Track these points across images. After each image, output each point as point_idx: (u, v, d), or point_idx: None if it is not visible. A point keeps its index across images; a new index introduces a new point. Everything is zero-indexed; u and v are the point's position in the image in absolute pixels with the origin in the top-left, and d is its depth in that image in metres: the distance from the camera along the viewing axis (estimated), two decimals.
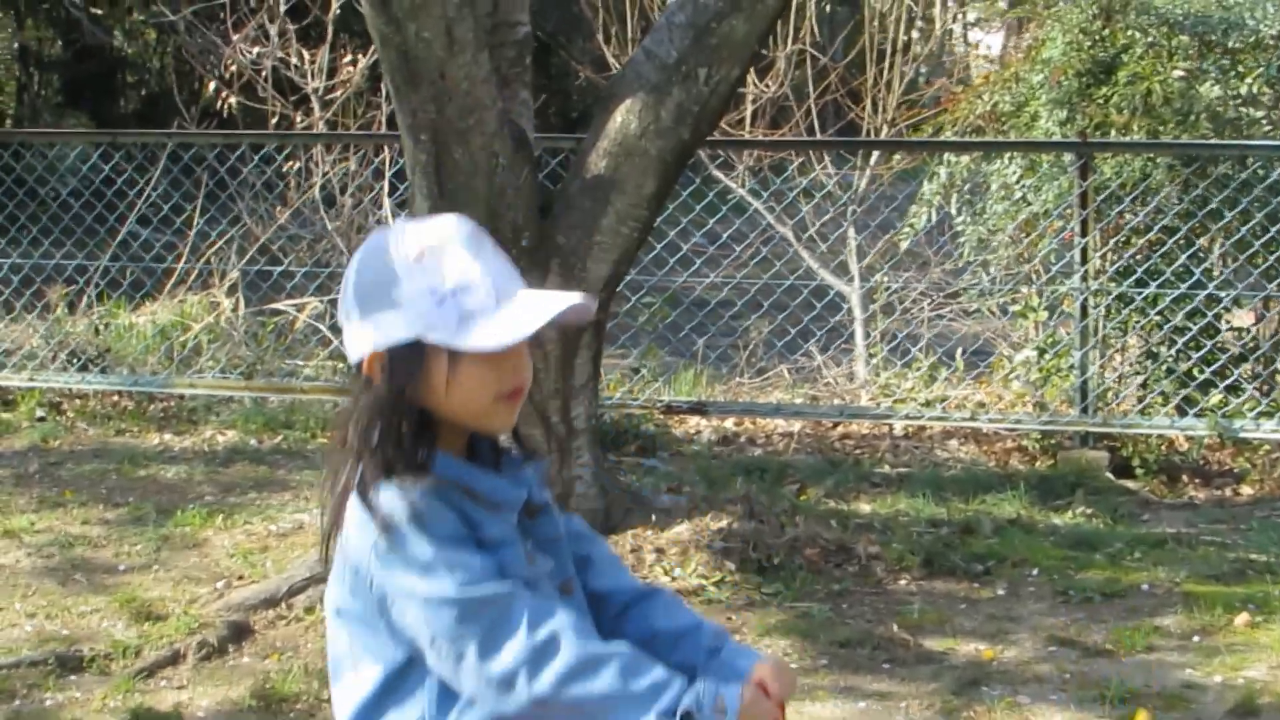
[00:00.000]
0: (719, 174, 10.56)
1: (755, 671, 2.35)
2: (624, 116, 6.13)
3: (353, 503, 2.34)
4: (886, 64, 11.31)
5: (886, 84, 11.32)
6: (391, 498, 2.28)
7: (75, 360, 9.13)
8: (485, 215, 6.02)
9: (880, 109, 11.29)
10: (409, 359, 2.30)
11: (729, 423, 8.81)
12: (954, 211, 9.33)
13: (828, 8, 14.17)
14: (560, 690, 2.23)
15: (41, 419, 8.75)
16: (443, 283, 2.29)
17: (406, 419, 2.32)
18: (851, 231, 10.27)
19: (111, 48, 21.19)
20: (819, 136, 11.26)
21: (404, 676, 2.34)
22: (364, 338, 2.33)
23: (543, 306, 2.31)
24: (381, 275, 2.32)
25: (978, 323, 9.52)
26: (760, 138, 10.91)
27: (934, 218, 9.38)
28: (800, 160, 10.50)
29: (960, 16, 21.52)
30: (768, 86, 11.35)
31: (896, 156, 10.71)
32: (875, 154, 10.59)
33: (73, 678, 5.24)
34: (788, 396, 9.15)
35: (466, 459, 2.40)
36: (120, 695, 5.06)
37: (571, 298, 2.34)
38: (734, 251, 9.52)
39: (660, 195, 6.31)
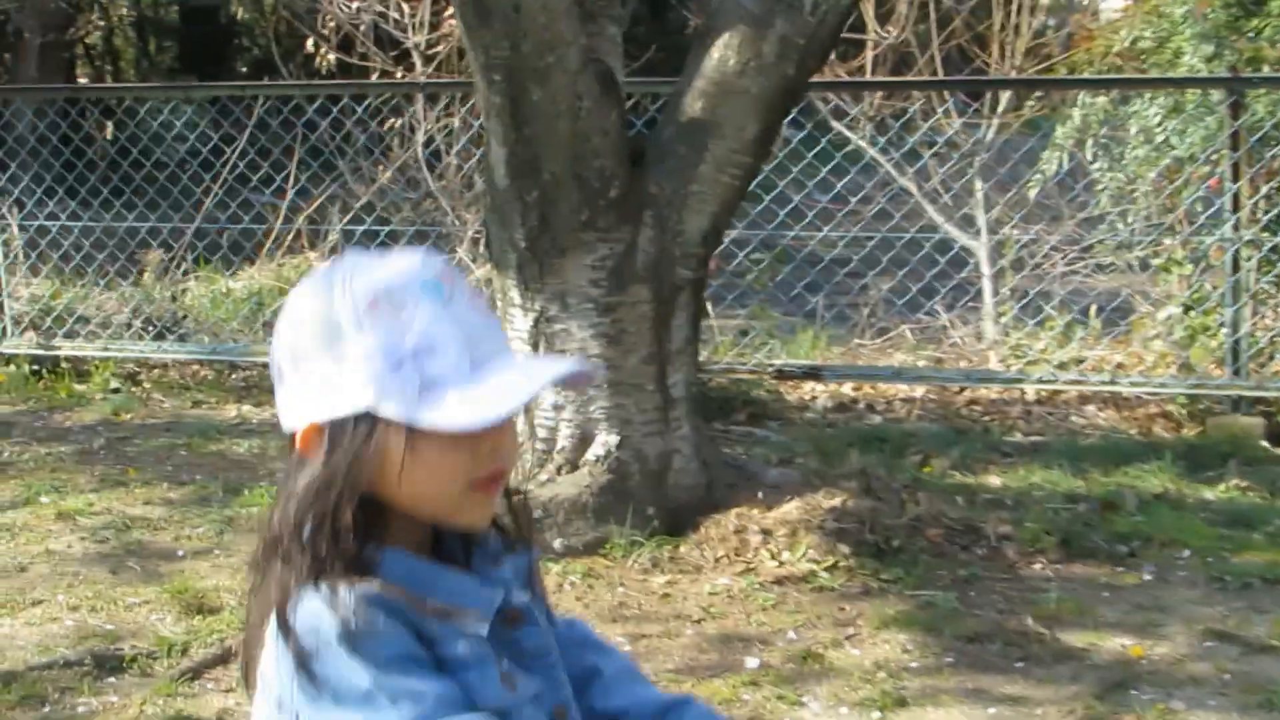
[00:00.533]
0: (835, 123, 9.86)
1: None
2: (722, 52, 5.55)
3: (270, 628, 1.85)
4: (1014, 6, 10.60)
5: (1014, 28, 10.61)
6: (316, 611, 1.79)
7: (151, 328, 8.69)
8: (568, 162, 5.49)
9: (1008, 54, 10.58)
10: (355, 435, 1.80)
11: (846, 388, 8.20)
12: (1089, 157, 8.63)
13: None
14: None
15: (116, 391, 8.33)
16: (401, 340, 1.78)
17: (348, 508, 1.82)
18: (978, 182, 9.56)
19: (225, 12, 21.06)
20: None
21: None
22: (298, 405, 1.83)
23: (529, 375, 1.82)
24: (323, 326, 1.81)
25: (1116, 278, 8.78)
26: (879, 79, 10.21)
27: (1066, 164, 8.69)
28: (922, 101, 9.76)
29: None
30: (888, 32, 10.71)
31: (1029, 102, 9.92)
32: (1003, 100, 9.84)
33: (111, 680, 4.72)
34: (910, 359, 8.51)
35: (428, 554, 1.93)
36: (160, 700, 4.54)
37: (565, 364, 1.87)
38: (849, 204, 8.84)
39: (764, 139, 5.72)
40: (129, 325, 8.65)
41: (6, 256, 8.76)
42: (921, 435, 7.36)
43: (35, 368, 8.59)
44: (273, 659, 1.83)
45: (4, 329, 8.65)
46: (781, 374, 7.89)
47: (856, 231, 8.69)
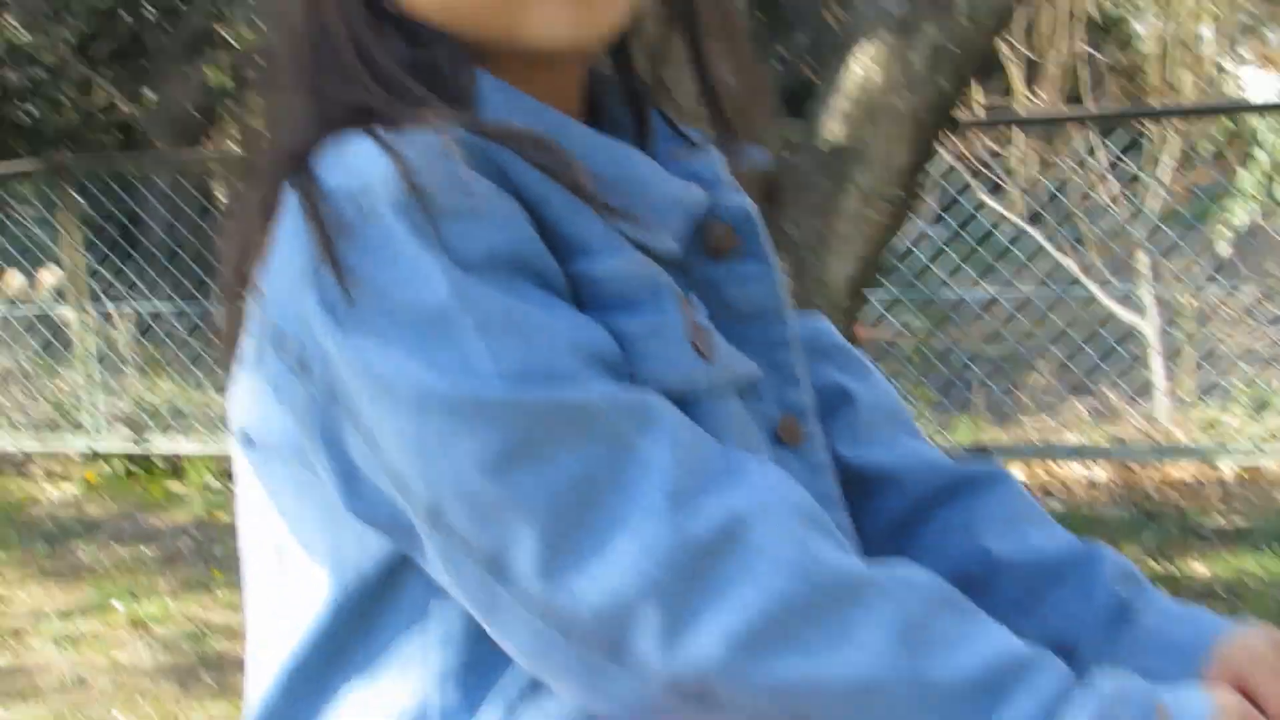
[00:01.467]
0: (990, 201, 9.08)
1: (1228, 656, 1.09)
2: (864, 67, 4.79)
3: (283, 205, 1.06)
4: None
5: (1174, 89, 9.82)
6: (365, 159, 1.00)
7: None
8: None
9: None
10: None
11: (1017, 470, 7.35)
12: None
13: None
14: (749, 660, 0.95)
15: (214, 490, 7.66)
16: None
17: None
18: (1141, 252, 8.67)
19: None
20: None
21: (381, 597, 1.08)
22: None
23: None
24: None
25: None
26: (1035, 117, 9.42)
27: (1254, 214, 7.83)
28: (1077, 168, 8.93)
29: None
30: (1040, 98, 10.04)
31: (1200, 152, 8.99)
32: (1170, 160, 8.93)
33: None
34: (1087, 437, 7.65)
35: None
36: None
37: None
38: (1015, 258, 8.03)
39: (917, 167, 4.93)
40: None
41: (98, 348, 8.18)
42: (1107, 521, 6.52)
43: (129, 466, 7.98)
44: (277, 259, 1.04)
45: (97, 425, 8.05)
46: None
47: (1024, 290, 7.88)
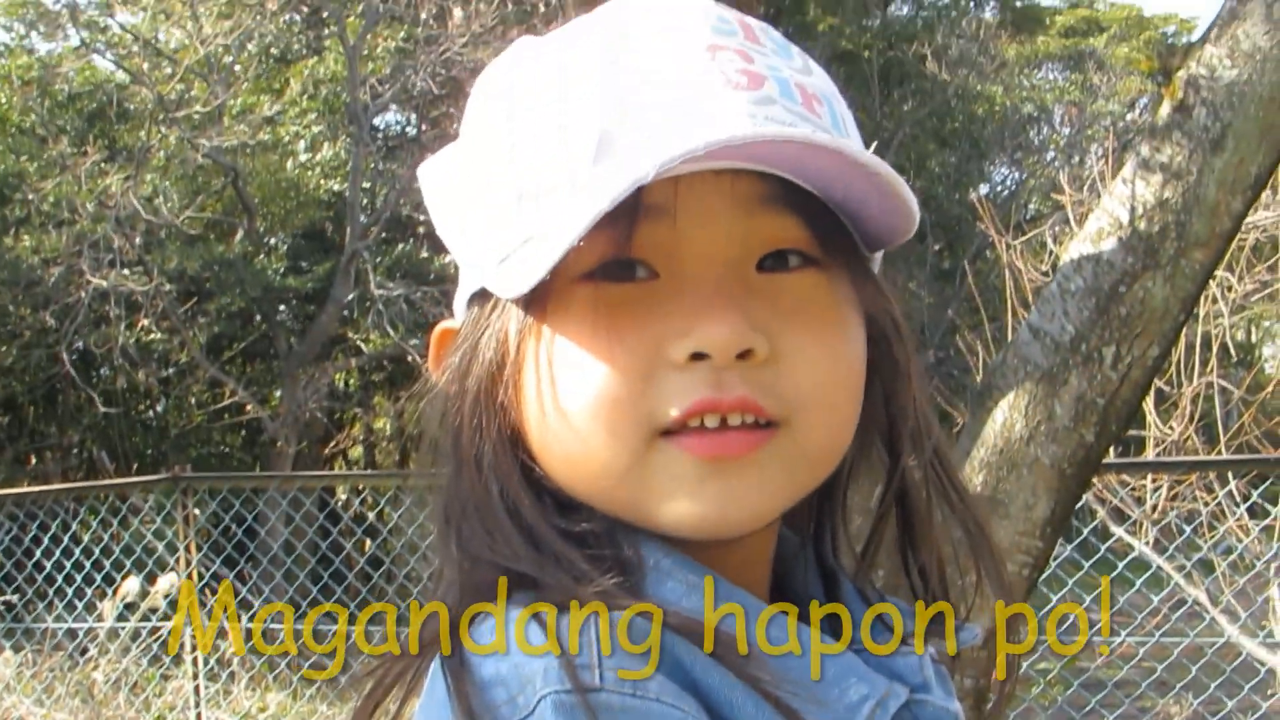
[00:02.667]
0: (1116, 528, 8.86)
1: None
2: (1006, 415, 4.67)
3: (429, 679, 0.95)
4: None
5: None
6: (525, 645, 0.89)
7: None
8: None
9: None
10: (469, 324, 1.04)
11: None
12: None
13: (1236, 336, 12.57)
14: None
15: None
16: (499, 144, 1.00)
17: (500, 454, 1.00)
18: (1275, 591, 8.38)
19: None
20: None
21: None
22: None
23: (698, 128, 0.95)
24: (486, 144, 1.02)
25: None
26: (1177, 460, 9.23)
27: None
28: (1211, 506, 8.71)
29: None
30: (1170, 429, 9.89)
31: None
32: None
33: None
34: None
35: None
36: None
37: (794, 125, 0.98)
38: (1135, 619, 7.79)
39: (1058, 519, 4.75)
40: None
41: (206, 664, 8.09)
42: None
43: None
44: None
45: None
46: None
47: (1158, 636, 7.60)
